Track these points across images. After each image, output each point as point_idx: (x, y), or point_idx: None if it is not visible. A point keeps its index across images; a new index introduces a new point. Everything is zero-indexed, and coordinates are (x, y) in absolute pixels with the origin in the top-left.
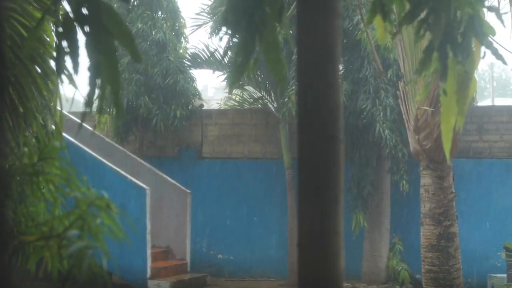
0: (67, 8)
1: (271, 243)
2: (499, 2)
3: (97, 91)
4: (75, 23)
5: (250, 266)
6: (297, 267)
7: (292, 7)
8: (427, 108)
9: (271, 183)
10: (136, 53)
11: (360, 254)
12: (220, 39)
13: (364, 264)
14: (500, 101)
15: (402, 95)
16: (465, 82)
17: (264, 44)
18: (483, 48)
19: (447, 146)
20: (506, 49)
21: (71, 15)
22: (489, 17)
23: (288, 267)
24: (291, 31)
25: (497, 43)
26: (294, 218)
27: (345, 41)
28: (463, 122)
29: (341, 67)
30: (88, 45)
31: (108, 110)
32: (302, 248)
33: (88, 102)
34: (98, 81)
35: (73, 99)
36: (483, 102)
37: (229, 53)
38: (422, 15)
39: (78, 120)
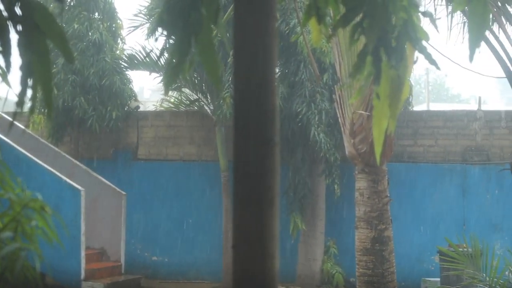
0: (0, 6)
1: (206, 245)
2: (435, 8)
3: (30, 91)
4: (7, 22)
5: (185, 268)
6: (231, 270)
7: (229, 9)
8: (362, 112)
9: (206, 185)
10: (68, 53)
11: (294, 257)
12: (156, 39)
13: (299, 267)
14: (435, 106)
15: (338, 99)
16: (398, 86)
17: (200, 46)
18: (417, 53)
19: (378, 150)
20: (441, 54)
21: (4, 13)
22: (424, 22)
23: (222, 270)
24: (228, 34)
25: (433, 47)
26: (229, 221)
27: (281, 44)
28: (394, 126)
29: (277, 71)
30: (20, 44)
31: (41, 110)
32: (236, 250)
33: (20, 102)
34: (30, 81)
35: (6, 98)
36: (419, 106)
37: (165, 54)
38: (357, 18)
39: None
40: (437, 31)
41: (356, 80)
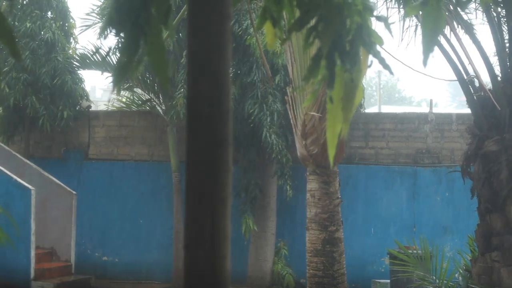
0: None
1: (157, 245)
2: (387, 8)
3: None
4: None
5: (135, 269)
6: (182, 270)
7: (182, 9)
8: (314, 113)
9: (158, 185)
10: (16, 52)
11: (245, 258)
12: (105, 38)
13: (249, 268)
14: (386, 108)
15: (290, 101)
16: (352, 90)
17: (149, 46)
18: (371, 57)
19: (331, 153)
20: (393, 57)
21: None
22: (378, 27)
23: (173, 270)
24: (180, 34)
25: (385, 50)
26: (180, 221)
27: (234, 45)
28: (347, 129)
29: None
30: None
31: None
32: (188, 250)
33: None
34: None
35: None
36: (370, 109)
37: (117, 54)
38: (312, 22)
39: None
40: (391, 36)
41: (310, 84)
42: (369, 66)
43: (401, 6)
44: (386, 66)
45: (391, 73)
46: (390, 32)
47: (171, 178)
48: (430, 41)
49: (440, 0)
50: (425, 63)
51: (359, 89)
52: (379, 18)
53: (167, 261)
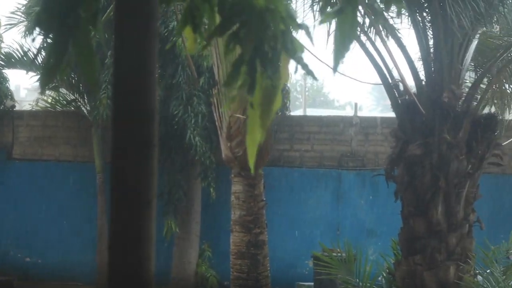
0: None
1: (81, 246)
2: (303, 10)
3: None
4: None
5: (59, 270)
6: (106, 271)
7: (108, 10)
8: (240, 116)
9: (82, 186)
10: None
11: (169, 260)
12: (33, 40)
13: (173, 270)
14: (311, 112)
15: (215, 102)
16: (271, 96)
17: (77, 47)
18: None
19: (252, 158)
20: (319, 59)
21: None
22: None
23: (96, 271)
24: (106, 35)
25: (310, 52)
26: (103, 222)
27: (159, 46)
28: (264, 135)
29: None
30: None
31: None
32: (112, 251)
33: None
34: None
35: None
36: (295, 112)
37: (43, 54)
38: (234, 28)
39: None
40: (312, 43)
41: (231, 89)
42: (295, 72)
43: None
44: (309, 72)
45: (315, 78)
46: (311, 40)
47: (95, 179)
48: (342, 48)
49: (356, 9)
50: (335, 69)
51: (278, 95)
52: (301, 26)
53: (90, 262)
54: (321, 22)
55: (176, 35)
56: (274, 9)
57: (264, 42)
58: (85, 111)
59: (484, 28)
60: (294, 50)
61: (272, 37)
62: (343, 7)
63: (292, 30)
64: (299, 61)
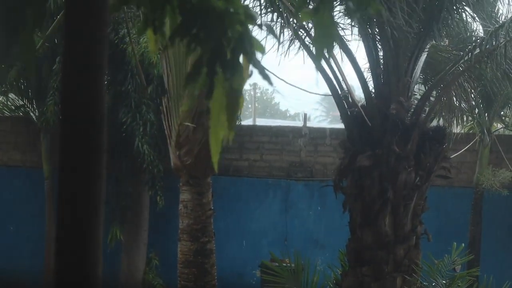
0: None
1: (28, 252)
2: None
3: None
4: None
5: (5, 276)
6: (53, 278)
7: (59, 15)
8: (189, 124)
9: (30, 191)
10: None
11: (117, 268)
12: None
13: (121, 277)
14: (261, 121)
15: (165, 110)
16: (235, 98)
17: (22, 47)
18: (251, 67)
19: (215, 159)
20: (267, 70)
21: None
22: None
23: (44, 278)
24: (56, 40)
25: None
26: (52, 228)
27: (109, 53)
28: (233, 136)
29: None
30: None
31: None
32: (59, 257)
33: None
34: None
35: None
36: (245, 121)
37: None
38: (194, 30)
39: None
40: (278, 40)
41: (186, 94)
42: (250, 76)
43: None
44: (265, 76)
45: (270, 83)
46: (277, 37)
47: (43, 184)
48: (322, 48)
49: (332, 8)
50: (317, 67)
51: (241, 97)
52: (260, 26)
53: (38, 268)
54: (299, 21)
55: (137, 36)
56: (233, 11)
57: (223, 44)
58: (33, 116)
59: (433, 41)
60: (253, 52)
61: (231, 39)
62: (319, 7)
63: (251, 31)
64: (257, 64)
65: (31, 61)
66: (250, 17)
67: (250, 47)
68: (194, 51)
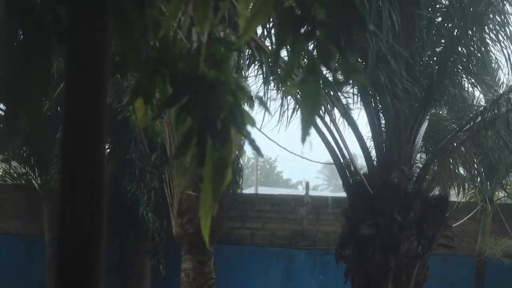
0: None
1: None
2: (267, 93)
3: None
4: None
5: None
6: None
7: (62, 84)
8: (191, 192)
9: (31, 260)
10: None
11: None
12: None
13: None
14: (263, 190)
15: (167, 179)
16: (222, 169)
17: (27, 117)
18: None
19: (206, 232)
20: (269, 138)
21: None
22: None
23: None
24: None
25: (261, 132)
26: None
27: (113, 121)
28: (217, 208)
29: (107, 148)
30: None
31: None
32: None
33: None
34: None
35: None
36: (247, 190)
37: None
38: (184, 100)
39: None
40: (269, 113)
41: (180, 161)
42: (241, 146)
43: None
44: (255, 148)
45: (261, 155)
46: (268, 110)
47: (44, 253)
48: (309, 119)
49: (318, 78)
50: (303, 139)
51: (229, 169)
52: (253, 97)
53: None
54: (286, 93)
55: (127, 106)
56: (224, 82)
57: (214, 115)
58: (36, 184)
59: (434, 110)
60: (243, 124)
61: (222, 110)
62: (305, 78)
63: (242, 103)
64: (247, 135)
65: (35, 128)
66: (241, 88)
67: (241, 118)
68: (183, 122)
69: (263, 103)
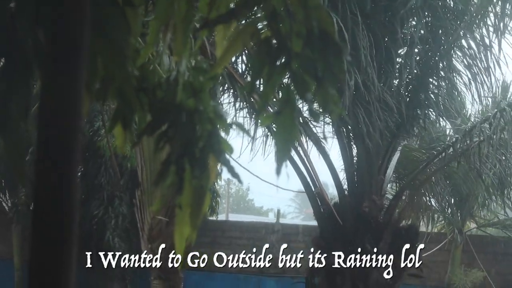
0: None
1: None
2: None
3: None
4: None
5: None
6: None
7: (35, 106)
8: (162, 218)
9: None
10: None
11: None
12: None
13: None
14: (234, 217)
15: (138, 204)
16: (200, 196)
17: (6, 142)
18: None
19: (180, 255)
20: (241, 166)
21: None
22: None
23: None
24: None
25: (234, 159)
26: None
27: (83, 145)
28: (195, 235)
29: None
30: None
31: None
32: None
33: None
34: None
35: None
36: (218, 216)
37: None
38: (163, 127)
39: None
40: (250, 136)
41: (159, 188)
42: (220, 174)
43: (253, 116)
44: (235, 175)
45: (240, 181)
46: (249, 134)
47: (13, 276)
48: (284, 151)
49: (294, 111)
50: (278, 172)
51: (207, 195)
52: (231, 124)
53: None
54: (261, 124)
55: (107, 132)
56: (203, 110)
57: (192, 142)
58: (5, 207)
59: (405, 142)
60: (221, 151)
61: (200, 137)
62: (281, 110)
63: (220, 131)
64: (226, 163)
65: (17, 155)
66: (220, 116)
67: (219, 145)
68: (162, 149)
69: (243, 130)
